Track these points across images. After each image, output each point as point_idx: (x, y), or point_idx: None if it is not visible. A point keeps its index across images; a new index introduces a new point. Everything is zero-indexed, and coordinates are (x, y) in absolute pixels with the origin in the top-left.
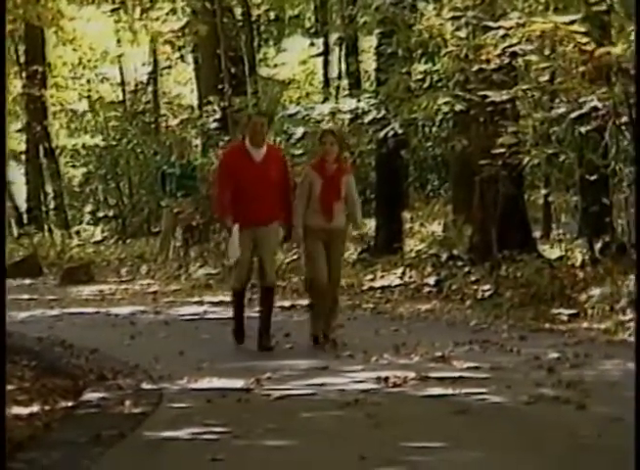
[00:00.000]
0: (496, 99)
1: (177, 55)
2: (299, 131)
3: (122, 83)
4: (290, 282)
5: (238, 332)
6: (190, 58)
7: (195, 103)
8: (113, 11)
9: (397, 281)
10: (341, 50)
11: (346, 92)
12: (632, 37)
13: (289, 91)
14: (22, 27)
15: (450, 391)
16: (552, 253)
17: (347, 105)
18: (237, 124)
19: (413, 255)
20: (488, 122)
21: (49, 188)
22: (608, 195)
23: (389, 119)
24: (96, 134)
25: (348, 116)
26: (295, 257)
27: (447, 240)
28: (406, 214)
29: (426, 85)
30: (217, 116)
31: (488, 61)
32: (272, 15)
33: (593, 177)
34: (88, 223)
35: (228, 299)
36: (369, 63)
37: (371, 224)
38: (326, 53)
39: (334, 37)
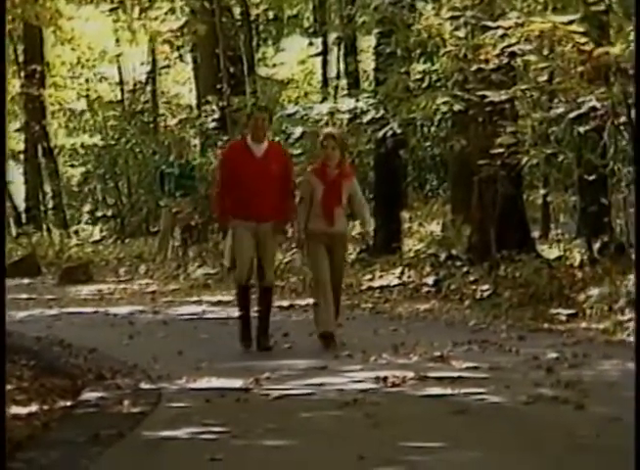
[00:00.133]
0: (495, 99)
1: (176, 54)
2: (298, 131)
3: (121, 83)
4: (288, 282)
5: (245, 334)
6: (189, 57)
7: (193, 102)
8: (111, 10)
9: (396, 281)
10: (339, 50)
11: (345, 92)
12: (631, 37)
13: (287, 91)
14: (21, 27)
15: (449, 391)
16: (551, 253)
17: (346, 104)
18: (236, 124)
19: (412, 254)
20: (487, 122)
21: (47, 188)
22: (606, 195)
23: (388, 119)
24: (94, 134)
25: (347, 115)
26: (293, 256)
27: (446, 240)
28: (405, 214)
29: (424, 85)
30: (216, 115)
31: (487, 61)
32: (271, 14)
33: (592, 177)
34: (87, 223)
35: (227, 298)
36: (368, 62)
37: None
38: (325, 53)
39: (332, 37)
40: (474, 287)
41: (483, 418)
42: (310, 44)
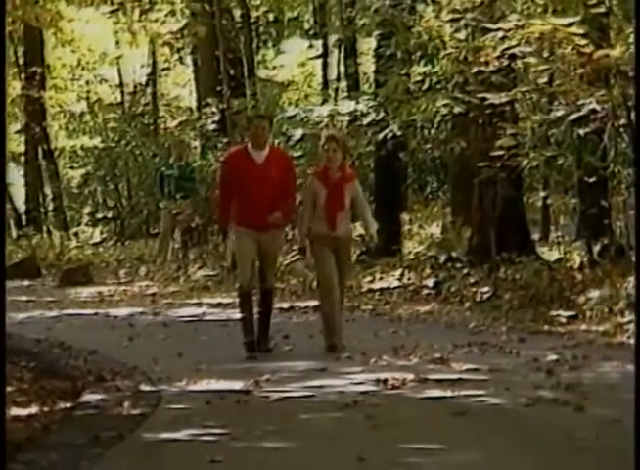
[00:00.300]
0: (495, 101)
1: (176, 57)
2: (298, 133)
3: (121, 85)
4: (288, 284)
5: (250, 343)
6: (189, 59)
7: (193, 105)
8: (111, 12)
9: (396, 283)
10: (339, 52)
11: (345, 94)
12: (631, 39)
13: (287, 93)
14: (21, 29)
15: (449, 393)
16: (551, 255)
17: (346, 107)
18: (236, 126)
19: (412, 257)
20: (487, 125)
21: (48, 189)
22: (606, 197)
23: (388, 121)
24: (95, 136)
25: (347, 118)
26: (293, 259)
27: (446, 242)
28: (405, 216)
29: (425, 87)
30: (216, 117)
31: (487, 63)
32: (271, 16)
33: (592, 180)
34: (87, 225)
35: (227, 300)
36: (368, 65)
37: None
38: (325, 55)
39: (333, 39)
40: (474, 289)
41: (483, 420)
42: (310, 46)
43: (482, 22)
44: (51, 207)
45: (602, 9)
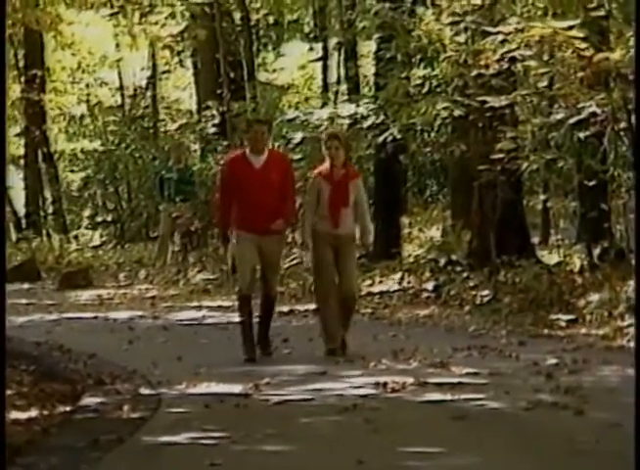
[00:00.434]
0: (495, 104)
1: (176, 60)
2: (298, 136)
3: (121, 88)
4: (288, 287)
5: (249, 346)
6: (189, 62)
7: (194, 108)
8: (111, 15)
9: (396, 286)
10: (339, 55)
11: (345, 97)
12: (631, 43)
13: (287, 96)
14: (21, 32)
15: (449, 396)
16: (550, 258)
17: (346, 110)
18: (235, 129)
19: (411, 260)
20: (487, 128)
21: (47, 193)
22: (606, 201)
23: (388, 124)
24: (95, 139)
25: (347, 121)
26: (293, 262)
27: (446, 245)
28: (405, 220)
29: (425, 90)
30: (216, 120)
31: (487, 66)
32: (271, 19)
33: (592, 183)
34: (87, 228)
35: (227, 303)
36: (368, 68)
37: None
38: (325, 58)
39: (333, 42)
40: (473, 292)
41: (483, 424)
42: (310, 49)
43: (482, 25)
44: (51, 210)
45: (602, 12)
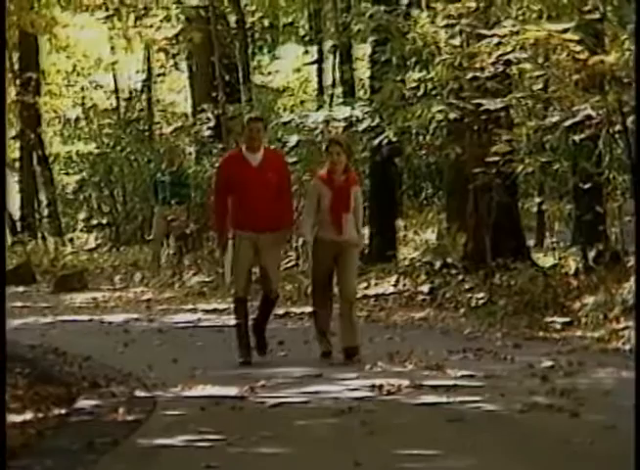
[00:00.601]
0: (490, 107)
1: (171, 62)
2: (294, 139)
3: (116, 91)
4: (283, 290)
5: (244, 348)
6: (184, 65)
7: (189, 111)
8: (106, 18)
9: (391, 289)
10: (335, 58)
11: (340, 100)
12: (626, 46)
13: (283, 99)
14: (16, 35)
15: (444, 399)
16: (546, 261)
17: (341, 113)
18: (231, 132)
19: (407, 263)
20: (482, 131)
21: (42, 195)
22: (601, 203)
23: (384, 127)
24: (90, 142)
25: (342, 123)
26: (288, 264)
27: (441, 248)
28: (400, 222)
29: (420, 93)
30: (211, 123)
31: (482, 69)
32: (266, 22)
33: (587, 186)
34: (82, 231)
35: (222, 306)
36: (363, 70)
37: (365, 232)
38: (320, 61)
39: (328, 45)
40: (469, 295)
41: (478, 426)
42: (306, 52)
43: (477, 27)
44: (46, 213)
45: (596, 15)
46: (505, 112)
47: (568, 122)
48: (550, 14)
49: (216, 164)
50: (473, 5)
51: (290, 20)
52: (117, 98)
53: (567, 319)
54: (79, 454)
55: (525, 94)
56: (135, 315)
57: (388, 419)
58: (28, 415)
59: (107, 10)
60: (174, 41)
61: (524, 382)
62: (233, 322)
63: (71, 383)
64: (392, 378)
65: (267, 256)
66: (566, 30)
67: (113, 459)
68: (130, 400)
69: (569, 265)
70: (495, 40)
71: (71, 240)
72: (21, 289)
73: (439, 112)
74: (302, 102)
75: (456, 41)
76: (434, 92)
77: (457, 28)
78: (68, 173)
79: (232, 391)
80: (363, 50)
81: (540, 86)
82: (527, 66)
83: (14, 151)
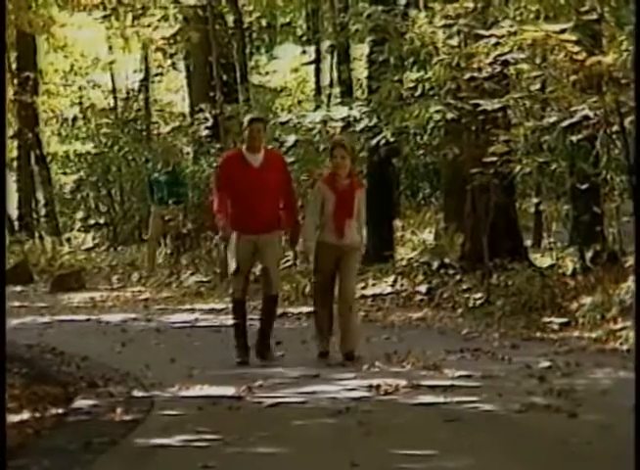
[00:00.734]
0: (488, 107)
1: (169, 62)
2: (291, 139)
3: (114, 90)
4: (281, 290)
5: (241, 348)
6: (181, 65)
7: (186, 110)
8: (104, 18)
9: (389, 289)
10: (332, 58)
11: (338, 100)
12: (623, 47)
13: (280, 99)
14: (14, 34)
15: (442, 399)
16: (543, 261)
17: (339, 113)
18: (228, 132)
19: (404, 263)
20: (480, 131)
21: (40, 195)
22: (599, 204)
23: (381, 128)
24: (87, 141)
25: (340, 123)
26: (286, 264)
27: (438, 248)
28: (397, 222)
29: (417, 93)
30: (209, 123)
31: (480, 69)
32: (264, 22)
33: (584, 186)
34: (79, 230)
35: (220, 306)
36: (361, 71)
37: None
38: (318, 61)
39: (325, 45)
40: (466, 295)
41: (476, 426)
42: (303, 52)
43: (475, 28)
44: (43, 212)
45: (594, 16)
46: (503, 112)
47: (565, 123)
48: (548, 14)
49: (214, 164)
50: (470, 5)
51: (287, 20)
52: (115, 98)
53: (564, 320)
54: (77, 454)
55: (523, 94)
56: (133, 315)
57: (386, 419)
58: (26, 415)
59: (104, 9)
60: (172, 41)
61: (521, 382)
62: (230, 322)
63: (69, 383)
64: (390, 378)
65: (267, 256)
66: (563, 31)
67: (110, 459)
68: (128, 400)
69: (566, 266)
70: (493, 40)
71: (69, 239)
72: (18, 288)
73: (437, 112)
74: (300, 102)
75: (454, 41)
76: (431, 92)
77: (455, 29)
78: (65, 173)
79: (229, 391)
80: (361, 50)
81: (538, 87)
82: (525, 66)
83: (11, 150)
